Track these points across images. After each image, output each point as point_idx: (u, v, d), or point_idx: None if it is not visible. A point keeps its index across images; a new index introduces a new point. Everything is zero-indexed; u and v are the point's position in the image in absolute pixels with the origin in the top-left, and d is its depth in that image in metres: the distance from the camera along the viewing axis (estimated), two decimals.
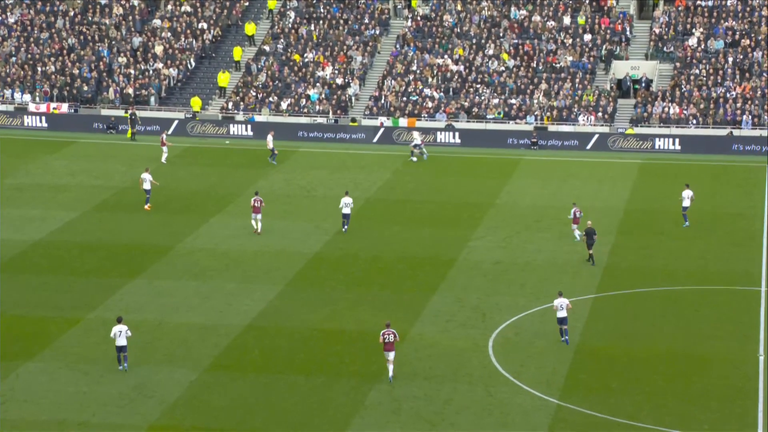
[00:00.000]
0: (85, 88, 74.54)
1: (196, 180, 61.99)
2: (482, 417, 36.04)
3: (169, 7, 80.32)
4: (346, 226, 53.11)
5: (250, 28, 78.50)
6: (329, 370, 39.30)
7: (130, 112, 71.29)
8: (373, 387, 37.94)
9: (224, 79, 75.07)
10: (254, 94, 74.18)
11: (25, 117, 72.70)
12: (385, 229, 53.82)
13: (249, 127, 71.37)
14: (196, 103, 73.72)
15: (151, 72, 75.82)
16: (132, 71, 75.77)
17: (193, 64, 76.90)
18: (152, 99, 74.37)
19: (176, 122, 72.20)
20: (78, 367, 39.48)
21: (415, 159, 65.61)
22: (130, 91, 74.24)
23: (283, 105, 73.51)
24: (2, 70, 75.50)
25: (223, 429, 35.53)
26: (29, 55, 76.68)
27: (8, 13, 79.76)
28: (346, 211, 53.18)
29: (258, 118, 72.69)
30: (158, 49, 77.18)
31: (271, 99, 73.88)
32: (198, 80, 76.62)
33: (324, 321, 43.23)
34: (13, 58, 76.52)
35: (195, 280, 47.51)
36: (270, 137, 65.17)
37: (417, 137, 66.61)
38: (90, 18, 79.60)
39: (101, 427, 35.55)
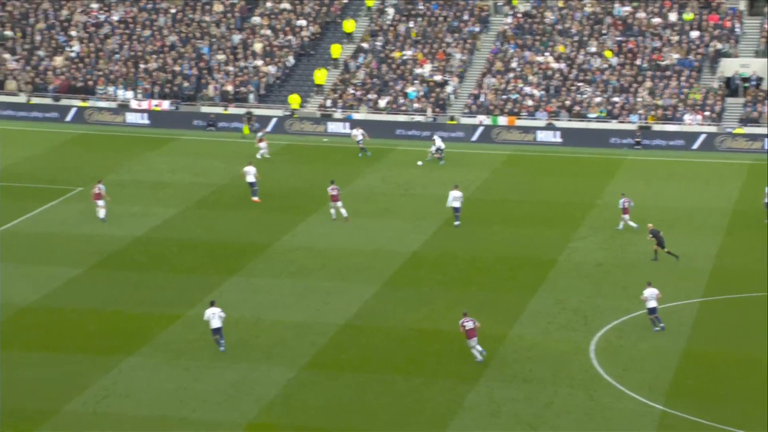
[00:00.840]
0: (186, 85, 75.17)
1: (294, 178, 61.99)
2: (584, 422, 35.25)
3: (269, 4, 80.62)
4: (457, 222, 52.73)
5: (349, 26, 78.39)
6: (426, 370, 38.84)
7: (246, 110, 71.87)
8: (471, 388, 37.40)
9: (321, 76, 75.07)
10: (352, 91, 74.04)
11: (127, 114, 73.51)
12: (484, 229, 53.17)
13: (347, 125, 71.24)
14: (294, 100, 73.84)
15: (250, 69, 76.17)
16: (231, 68, 76.20)
17: (292, 61, 77.04)
18: (251, 96, 74.69)
19: (275, 120, 72.38)
20: (178, 363, 39.62)
21: (420, 162, 63.77)
22: (230, 88, 74.66)
23: (381, 103, 73.24)
24: (106, 68, 76.47)
25: (320, 428, 35.31)
26: (132, 53, 77.58)
27: (112, 12, 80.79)
28: (456, 204, 52.92)
29: (356, 116, 72.53)
30: (257, 47, 77.52)
31: (369, 97, 73.66)
32: (297, 78, 76.74)
33: (421, 321, 42.79)
34: (117, 56, 77.47)
35: (292, 278, 47.42)
36: (357, 132, 65.87)
37: (438, 141, 64.67)
38: (191, 16, 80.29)
39: (201, 424, 35.61)
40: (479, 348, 38.96)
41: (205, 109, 73.94)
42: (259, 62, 76.56)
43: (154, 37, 78.67)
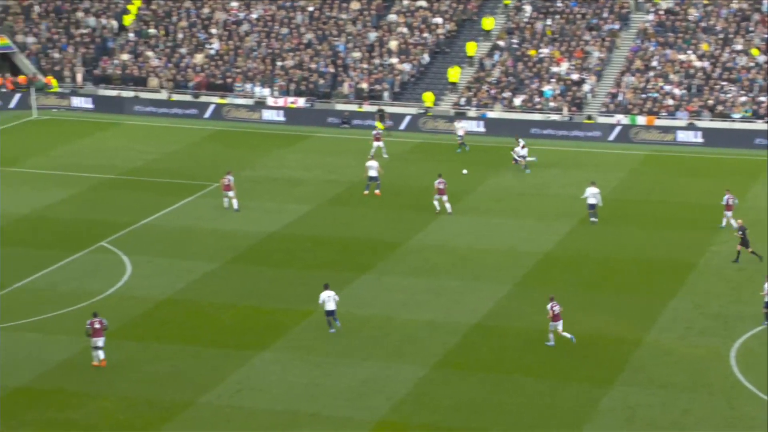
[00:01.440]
0: (321, 82, 75.65)
1: (428, 176, 61.71)
2: (723, 430, 34.19)
3: (405, 2, 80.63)
4: (594, 218, 52.21)
5: (487, 23, 77.84)
6: (559, 373, 38.22)
7: (378, 108, 72.11)
8: (605, 393, 36.66)
9: (455, 74, 74.69)
10: (487, 89, 73.49)
11: (264, 111, 74.33)
12: (620, 230, 52.14)
13: (481, 123, 70.73)
14: (428, 98, 73.64)
15: (385, 67, 76.28)
16: (366, 66, 76.43)
17: (427, 59, 76.89)
18: (386, 94, 74.79)
19: (409, 117, 72.31)
20: (309, 358, 39.80)
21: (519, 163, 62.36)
22: (365, 86, 74.88)
23: (516, 101, 72.50)
24: (244, 65, 77.49)
25: (451, 428, 35.02)
26: (269, 50, 78.44)
27: (251, 10, 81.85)
28: (592, 201, 52.18)
29: (490, 114, 71.95)
30: (393, 44, 77.57)
31: (504, 95, 73.01)
32: (431, 75, 76.53)
33: None
34: (254, 53, 78.44)
35: (424, 276, 47.22)
36: (459, 125, 66.33)
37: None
38: (328, 13, 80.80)
39: (331, 420, 35.68)
40: (567, 335, 39.27)
41: (339, 107, 74.30)
42: (394, 60, 76.62)
43: (292, 35, 79.40)
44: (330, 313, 41.37)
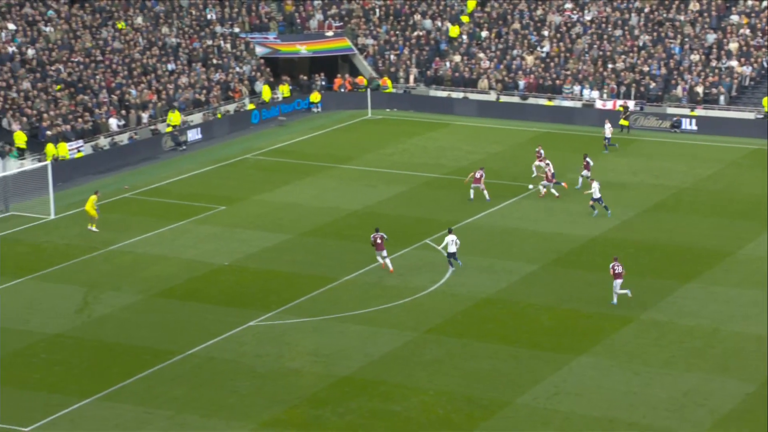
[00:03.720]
0: (653, 85, 73.96)
1: (761, 184, 59.03)
2: None
3: (750, 2, 77.43)
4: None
5: None
6: None
7: (622, 104, 70.84)
8: None
9: None
10: None
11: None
12: None
13: None
14: None
15: (723, 70, 73.61)
16: (702, 69, 74.02)
17: None
18: (721, 98, 72.15)
19: (747, 122, 69.42)
20: (629, 366, 39.03)
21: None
22: (699, 89, 72.57)
23: None
24: (574, 67, 76.98)
25: None
26: (600, 52, 77.52)
27: (585, 11, 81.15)
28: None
29: None
30: (733, 46, 74.73)
31: None
32: None
33: None
34: (586, 55, 77.75)
35: (754, 288, 45.19)
36: (607, 126, 65.05)
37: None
38: (664, 15, 78.87)
39: (651, 430, 34.82)
40: (623, 290, 43.29)
41: (670, 110, 72.38)
42: (733, 63, 73.80)
43: (625, 37, 78.08)
44: (451, 254, 47.11)
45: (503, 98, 76.35)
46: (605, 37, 78.62)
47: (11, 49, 68.80)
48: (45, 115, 64.39)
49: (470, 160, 64.87)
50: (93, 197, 53.51)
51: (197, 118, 71.09)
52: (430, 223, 53.78)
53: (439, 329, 42.30)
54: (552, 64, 77.70)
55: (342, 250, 50.79)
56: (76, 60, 70.44)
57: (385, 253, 47.36)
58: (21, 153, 61.21)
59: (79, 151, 63.72)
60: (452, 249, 47.12)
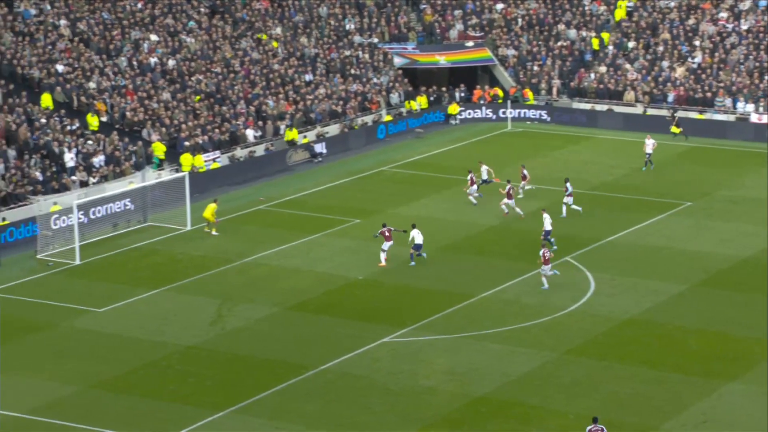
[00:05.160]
0: None
1: None
2: None
3: None
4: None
5: None
6: None
7: (671, 111, 69.05)
8: None
9: None
10: None
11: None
12: None
13: None
14: None
15: None
16: None
17: None
18: None
19: None
20: None
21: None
22: None
23: None
24: (727, 79, 73.97)
25: None
26: (757, 63, 74.31)
27: (741, 20, 77.93)
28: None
29: None
30: None
31: None
32: None
33: None
34: (741, 66, 74.64)
35: None
36: (649, 142, 62.61)
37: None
38: None
39: None
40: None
41: None
42: None
43: None
44: (417, 246, 48.39)
45: (650, 111, 73.85)
46: (762, 47, 75.33)
47: (153, 59, 69.36)
48: (183, 126, 64.63)
49: (614, 175, 62.80)
50: (213, 205, 53.90)
51: (333, 129, 70.50)
52: (570, 240, 51.90)
53: (579, 350, 40.67)
54: (704, 75, 74.79)
55: (478, 266, 49.43)
56: (215, 71, 70.66)
57: (388, 246, 48.95)
58: (160, 164, 61.47)
59: (215, 161, 63.72)
60: (419, 240, 48.75)
